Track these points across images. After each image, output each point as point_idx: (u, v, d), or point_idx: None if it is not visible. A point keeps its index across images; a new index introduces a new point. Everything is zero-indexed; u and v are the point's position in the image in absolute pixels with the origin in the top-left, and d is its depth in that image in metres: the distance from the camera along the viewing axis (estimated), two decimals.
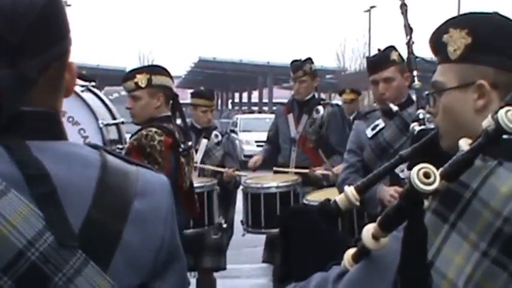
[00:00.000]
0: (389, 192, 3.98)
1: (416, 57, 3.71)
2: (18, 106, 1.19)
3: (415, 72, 3.78)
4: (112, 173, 1.25)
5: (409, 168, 1.30)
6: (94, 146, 1.31)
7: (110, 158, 1.28)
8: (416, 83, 3.81)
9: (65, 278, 1.13)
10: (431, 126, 3.57)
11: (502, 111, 1.27)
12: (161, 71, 4.37)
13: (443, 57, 1.66)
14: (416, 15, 3.62)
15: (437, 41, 1.67)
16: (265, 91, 51.02)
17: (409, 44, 3.71)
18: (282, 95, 47.89)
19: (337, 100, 11.07)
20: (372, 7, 47.09)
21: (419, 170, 1.26)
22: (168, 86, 4.28)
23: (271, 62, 45.59)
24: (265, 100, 51.14)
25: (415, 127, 3.69)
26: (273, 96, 48.03)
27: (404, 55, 3.94)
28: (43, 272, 1.12)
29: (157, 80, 4.22)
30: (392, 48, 4.36)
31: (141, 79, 4.19)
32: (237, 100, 67.80)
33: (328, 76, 46.99)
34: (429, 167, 1.26)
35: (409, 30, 3.72)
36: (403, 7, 3.83)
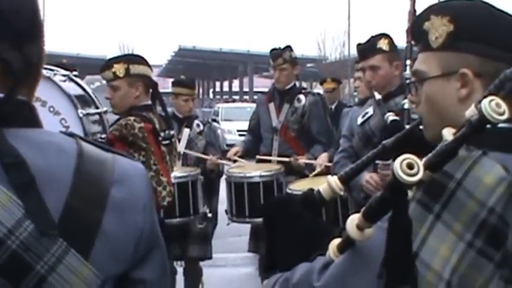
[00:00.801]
0: (365, 177, 3.99)
1: (413, 45, 3.49)
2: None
3: (408, 61, 3.71)
4: (89, 161, 1.24)
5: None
6: (69, 134, 1.30)
7: (86, 146, 1.27)
8: (408, 72, 3.71)
9: (46, 266, 1.13)
10: (415, 116, 3.57)
11: (485, 101, 1.26)
12: (139, 60, 4.34)
13: (424, 45, 1.64)
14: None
15: (418, 29, 1.66)
16: (246, 80, 51.09)
17: (408, 32, 3.60)
18: (262, 84, 47.96)
19: (319, 89, 11.08)
20: None
21: (403, 161, 1.25)
22: (146, 75, 4.26)
23: (251, 50, 45.65)
24: (245, 89, 51.21)
25: (389, 117, 3.69)
26: (253, 85, 48.07)
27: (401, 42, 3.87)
28: (24, 260, 1.12)
29: (136, 69, 4.20)
30: (382, 35, 4.32)
31: (119, 69, 4.18)
32: (218, 89, 67.79)
33: (309, 65, 47.12)
34: (413, 158, 1.25)
35: (412, 16, 3.61)
36: None
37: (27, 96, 1.27)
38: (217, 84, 68.69)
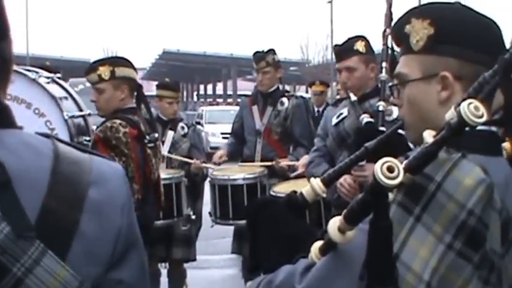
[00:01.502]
0: (340, 180, 3.97)
1: (390, 48, 3.55)
2: None
3: (384, 64, 3.75)
4: (65, 162, 1.22)
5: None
6: (45, 135, 1.28)
7: (62, 146, 1.26)
8: (383, 74, 3.78)
9: (23, 268, 1.11)
10: (389, 119, 3.59)
11: (464, 104, 1.27)
12: (124, 62, 4.31)
13: (406, 48, 1.65)
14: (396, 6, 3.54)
15: (399, 32, 1.66)
16: (230, 83, 51.11)
17: (385, 34, 3.65)
18: (246, 87, 47.97)
19: (302, 92, 11.11)
20: None
21: (383, 164, 1.25)
22: (131, 77, 4.24)
23: (234, 54, 45.63)
24: (229, 92, 51.21)
25: (364, 118, 3.70)
26: (237, 88, 48.08)
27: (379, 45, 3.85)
28: (1, 262, 1.10)
29: (121, 71, 4.18)
30: (359, 38, 4.32)
31: (104, 71, 4.15)
32: (202, 92, 67.72)
33: (292, 68, 47.22)
34: (393, 161, 1.26)
35: (388, 20, 3.64)
36: None
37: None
38: (201, 87, 68.60)
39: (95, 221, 1.20)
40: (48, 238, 1.14)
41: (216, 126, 24.68)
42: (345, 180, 3.95)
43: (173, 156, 6.12)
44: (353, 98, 4.21)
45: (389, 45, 3.51)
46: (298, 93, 6.77)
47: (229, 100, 44.74)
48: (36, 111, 4.52)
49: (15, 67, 3.82)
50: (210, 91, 66.16)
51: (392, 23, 1.70)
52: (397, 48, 1.77)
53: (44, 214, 1.15)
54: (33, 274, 1.12)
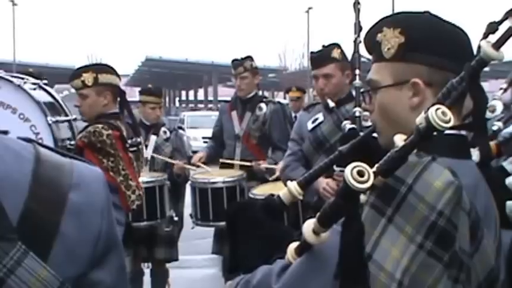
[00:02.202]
0: (322, 185, 4.00)
1: (362, 56, 3.56)
2: None
3: (357, 71, 3.70)
4: (46, 166, 1.21)
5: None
6: (27, 139, 1.27)
7: (43, 151, 1.25)
8: (357, 81, 3.73)
9: (5, 269, 1.10)
10: (366, 124, 3.60)
11: (432, 110, 1.27)
12: (107, 69, 4.30)
13: (377, 55, 1.65)
14: (366, 14, 3.55)
15: (371, 40, 1.66)
16: (210, 89, 51.11)
17: (356, 42, 3.59)
18: (226, 93, 47.94)
19: (280, 98, 11.15)
20: (310, 8, 47.37)
21: (353, 168, 1.26)
22: (114, 84, 4.23)
23: (215, 61, 45.64)
24: (210, 98, 51.19)
25: (347, 125, 3.72)
26: (218, 94, 48.07)
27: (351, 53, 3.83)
28: None
29: (104, 78, 4.16)
30: (334, 45, 4.35)
31: (88, 78, 4.14)
32: (184, 98, 67.67)
33: (270, 75, 47.33)
34: (363, 166, 1.26)
35: (358, 28, 3.60)
36: (356, 5, 3.71)
37: None
38: (183, 93, 68.56)
39: (75, 223, 1.19)
40: (30, 240, 1.13)
41: (198, 131, 24.68)
42: (328, 184, 3.96)
43: (158, 156, 6.10)
44: (331, 104, 4.21)
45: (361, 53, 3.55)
46: (276, 99, 6.75)
47: (210, 106, 44.80)
48: (21, 116, 4.50)
49: (1, 73, 3.77)
50: (191, 97, 66.16)
51: (362, 31, 1.70)
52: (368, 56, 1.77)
53: (25, 216, 1.14)
54: (15, 275, 1.11)
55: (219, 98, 43.73)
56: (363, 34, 1.73)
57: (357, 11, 3.64)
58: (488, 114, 2.82)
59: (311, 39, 46.40)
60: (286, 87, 10.27)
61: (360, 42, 3.53)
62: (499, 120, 2.75)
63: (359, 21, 3.59)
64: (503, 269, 1.57)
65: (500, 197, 1.74)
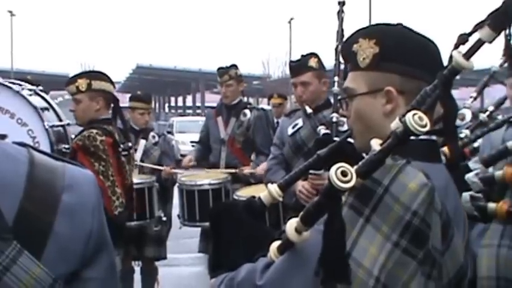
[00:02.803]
0: (298, 187, 4.01)
1: (341, 62, 3.58)
2: None
3: (336, 78, 3.76)
4: (40, 168, 1.22)
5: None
6: (21, 144, 1.27)
7: (37, 154, 1.25)
8: (336, 88, 3.79)
9: (1, 267, 1.10)
10: (342, 129, 3.64)
11: (409, 115, 1.27)
12: (101, 76, 4.31)
13: (353, 65, 1.66)
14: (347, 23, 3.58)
15: (347, 50, 1.67)
16: (198, 95, 51.02)
17: (337, 50, 3.67)
18: (213, 99, 47.86)
19: (264, 104, 11.15)
20: (292, 19, 47.47)
21: (338, 169, 1.26)
22: (107, 90, 4.22)
23: (203, 68, 45.54)
24: (198, 104, 51.10)
25: (321, 130, 3.74)
26: (205, 101, 48.00)
27: (332, 61, 3.85)
28: None
29: (97, 84, 4.17)
30: (312, 55, 4.37)
31: (82, 83, 4.15)
32: (173, 104, 67.54)
33: (255, 82, 47.34)
34: (346, 166, 1.26)
35: (340, 36, 3.66)
36: (340, 13, 3.75)
37: None
38: (172, 99, 68.38)
39: (68, 222, 1.20)
40: (25, 239, 1.14)
41: (186, 135, 24.65)
42: (303, 186, 3.98)
43: (145, 164, 6.11)
44: (308, 110, 4.24)
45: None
46: (261, 106, 6.77)
47: (198, 111, 44.70)
48: (19, 121, 4.50)
49: (0, 80, 3.75)
50: (180, 103, 65.97)
51: (344, 40, 1.71)
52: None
53: (20, 216, 1.14)
54: (11, 272, 1.11)
55: (206, 104, 43.62)
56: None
57: (341, 19, 3.70)
58: (458, 122, 2.85)
59: (293, 48, 46.57)
60: (269, 94, 10.27)
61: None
62: (467, 128, 2.79)
63: (342, 30, 3.65)
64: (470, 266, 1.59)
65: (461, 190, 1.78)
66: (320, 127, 3.81)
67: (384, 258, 1.34)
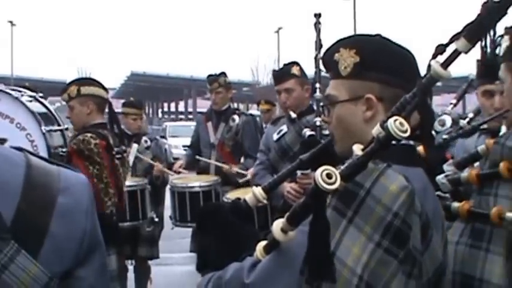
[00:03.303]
0: (286, 189, 4.01)
1: (321, 70, 3.68)
2: None
3: (317, 84, 3.82)
4: (37, 171, 1.23)
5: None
6: (18, 148, 1.28)
7: (33, 158, 1.26)
8: (318, 94, 3.84)
9: None
10: (326, 132, 3.67)
11: (391, 120, 1.28)
12: (90, 82, 4.33)
13: (335, 73, 1.66)
14: (327, 33, 3.65)
15: (329, 59, 1.68)
16: (190, 101, 50.95)
17: (317, 59, 3.73)
18: (205, 105, 47.75)
19: (254, 110, 11.14)
20: (280, 28, 47.53)
21: (323, 171, 1.26)
22: (97, 94, 4.22)
23: (194, 75, 45.47)
24: (190, 109, 51.00)
25: (306, 132, 3.78)
26: (196, 106, 47.93)
27: (313, 69, 3.92)
28: None
29: (86, 90, 4.17)
30: (294, 63, 4.41)
31: (72, 90, 4.18)
32: (166, 109, 67.45)
33: (245, 89, 47.29)
34: (331, 169, 1.27)
35: (319, 46, 3.73)
36: (317, 25, 3.85)
37: None
38: (165, 105, 68.28)
39: (63, 223, 1.20)
40: (22, 239, 1.14)
41: (178, 140, 24.62)
42: (291, 187, 3.99)
43: (141, 156, 6.11)
44: (293, 115, 4.26)
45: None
46: (250, 111, 6.79)
47: (190, 116, 44.63)
48: (18, 125, 4.52)
49: (1, 87, 3.76)
50: (173, 108, 65.87)
51: (322, 49, 1.72)
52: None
53: (18, 217, 1.15)
54: (9, 271, 1.12)
55: (198, 110, 43.55)
56: (323, 51, 1.74)
57: (318, 30, 3.77)
58: (438, 128, 2.87)
59: (281, 56, 46.64)
60: (258, 100, 10.26)
61: (320, 58, 3.63)
62: (447, 133, 2.81)
63: (320, 40, 3.71)
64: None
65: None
66: (305, 130, 3.84)
67: (367, 257, 1.34)
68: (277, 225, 1.41)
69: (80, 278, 1.24)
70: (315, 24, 3.84)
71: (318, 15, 3.85)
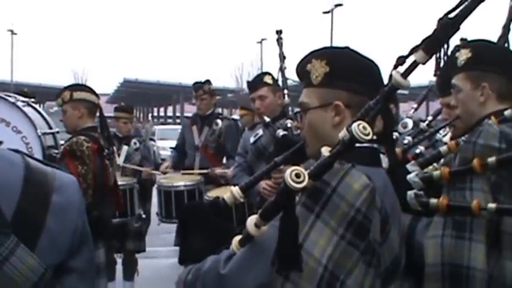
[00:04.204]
0: (262, 186, 4.03)
1: (288, 79, 3.98)
2: None
3: (285, 91, 4.08)
4: (34, 172, 1.25)
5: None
6: (16, 151, 1.30)
7: (30, 160, 1.28)
8: (287, 99, 4.09)
9: (1, 257, 1.14)
10: (297, 132, 3.76)
11: (355, 124, 1.30)
12: (82, 87, 4.33)
13: (307, 82, 1.68)
14: (290, 45, 3.78)
15: (302, 70, 1.70)
16: (178, 106, 50.78)
17: (282, 69, 4.00)
18: (191, 110, 47.48)
19: (237, 115, 11.13)
20: (263, 39, 47.52)
21: (292, 171, 1.28)
22: (88, 99, 4.20)
23: (182, 82, 45.34)
24: (178, 114, 50.83)
25: (280, 132, 3.86)
26: (184, 111, 47.78)
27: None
28: None
29: (78, 95, 4.16)
30: (266, 73, 4.49)
31: (65, 95, 4.17)
32: (156, 114, 67.22)
33: (229, 95, 47.24)
34: (300, 169, 1.28)
35: (282, 57, 4.01)
36: (279, 40, 4.11)
37: None
38: (155, 109, 68.08)
39: (57, 219, 1.23)
40: (21, 233, 1.17)
41: (166, 142, 24.47)
42: (266, 183, 4.01)
43: (128, 165, 6.10)
44: (267, 119, 4.30)
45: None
46: (233, 116, 6.81)
47: (178, 120, 44.45)
48: (14, 129, 4.50)
49: None
50: (162, 113, 65.69)
51: (285, 60, 1.75)
52: (291, 77, 1.82)
53: (18, 214, 1.18)
54: (9, 262, 1.14)
55: (185, 114, 43.40)
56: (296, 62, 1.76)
57: (280, 44, 4.08)
58: (401, 130, 2.92)
59: (264, 64, 46.66)
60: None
61: (285, 68, 3.99)
62: (409, 135, 2.85)
63: (282, 52, 4.05)
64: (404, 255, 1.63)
65: (404, 189, 1.90)
66: (278, 130, 3.90)
67: (332, 249, 1.36)
68: (251, 220, 1.43)
69: (71, 269, 1.27)
70: (277, 39, 4.12)
71: (279, 32, 4.13)
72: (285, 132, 3.83)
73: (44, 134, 4.60)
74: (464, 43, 2.18)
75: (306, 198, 1.40)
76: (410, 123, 2.87)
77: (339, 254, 1.36)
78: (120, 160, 5.84)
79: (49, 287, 1.20)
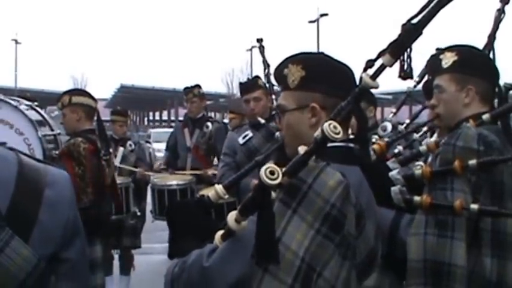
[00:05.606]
0: (253, 183, 4.02)
1: (273, 85, 4.05)
2: None
3: (273, 96, 4.15)
4: (27, 168, 1.26)
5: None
6: (10, 148, 1.30)
7: (23, 157, 1.29)
8: (275, 103, 4.07)
9: None
10: None
11: (326, 124, 1.31)
12: (80, 92, 4.35)
13: (284, 86, 1.68)
14: (278, 53, 3.83)
15: (279, 74, 1.70)
16: (172, 110, 50.72)
17: (267, 75, 4.08)
18: None
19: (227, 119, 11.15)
20: (253, 47, 47.52)
21: (267, 169, 1.28)
22: (86, 103, 4.20)
23: (176, 88, 45.27)
24: (172, 118, 50.77)
25: (280, 133, 3.87)
26: (178, 115, 47.71)
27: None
28: None
29: (76, 99, 4.17)
30: (258, 77, 4.50)
31: (65, 99, 4.17)
32: (151, 118, 67.13)
33: (221, 100, 47.23)
34: (274, 167, 1.29)
35: (266, 64, 4.10)
36: (261, 48, 4.22)
37: None
38: (151, 113, 67.98)
39: (50, 212, 1.24)
40: (15, 226, 1.18)
41: (161, 144, 24.41)
42: (253, 182, 4.01)
43: (124, 166, 6.09)
44: (262, 121, 4.30)
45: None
46: (225, 119, 6.83)
47: (172, 124, 44.38)
48: (17, 131, 4.50)
49: (2, 97, 3.74)
50: (157, 117, 65.62)
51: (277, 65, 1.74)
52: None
53: (12, 207, 1.18)
54: (4, 253, 1.15)
55: (180, 118, 43.37)
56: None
57: (262, 51, 4.21)
58: (381, 133, 2.93)
59: (254, 70, 46.66)
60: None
61: (271, 74, 4.03)
62: (388, 137, 2.86)
63: (265, 59, 4.16)
64: (381, 247, 1.63)
65: (387, 185, 1.92)
66: (277, 133, 3.91)
67: (308, 242, 1.37)
68: (232, 216, 1.43)
69: (63, 259, 1.28)
70: (259, 47, 4.23)
71: (260, 40, 4.23)
72: None
73: (45, 135, 4.60)
74: (449, 47, 2.19)
75: (283, 194, 1.41)
76: (389, 127, 2.89)
77: (315, 247, 1.37)
78: (116, 161, 5.83)
79: (43, 276, 1.21)
